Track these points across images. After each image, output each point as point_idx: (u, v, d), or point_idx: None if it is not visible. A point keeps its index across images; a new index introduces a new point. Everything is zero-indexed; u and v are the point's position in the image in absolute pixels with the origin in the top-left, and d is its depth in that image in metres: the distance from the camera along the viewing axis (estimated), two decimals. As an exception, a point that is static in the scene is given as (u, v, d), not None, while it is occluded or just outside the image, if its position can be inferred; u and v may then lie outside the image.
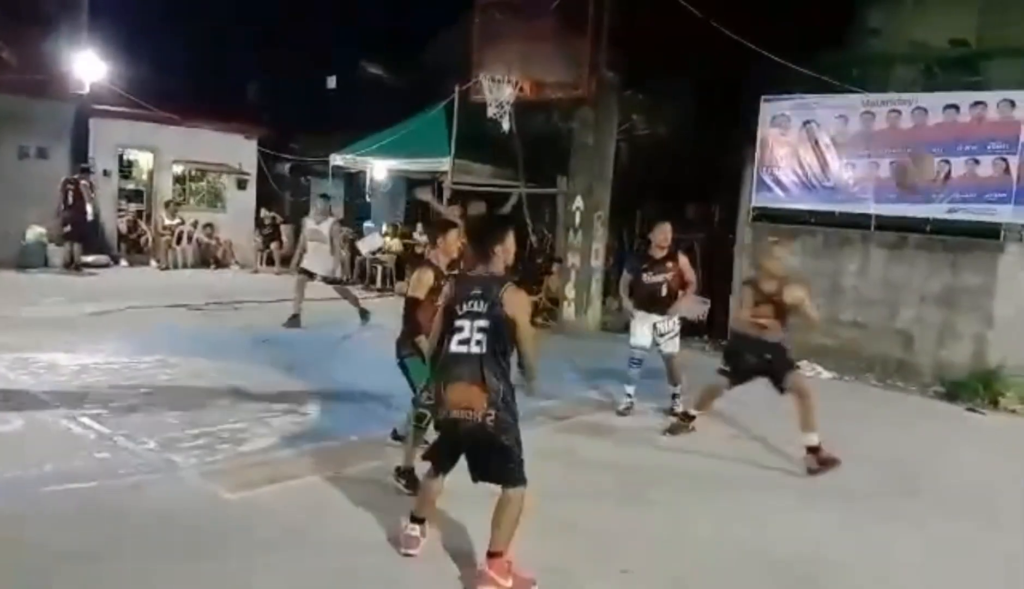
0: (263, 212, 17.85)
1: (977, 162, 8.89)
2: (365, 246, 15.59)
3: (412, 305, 4.90)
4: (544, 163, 13.52)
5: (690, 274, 7.16)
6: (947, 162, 9.06)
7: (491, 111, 11.36)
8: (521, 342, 3.83)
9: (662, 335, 7.03)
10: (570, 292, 11.79)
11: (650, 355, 7.08)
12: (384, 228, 16.47)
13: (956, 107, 9.06)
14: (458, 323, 3.80)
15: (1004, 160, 8.73)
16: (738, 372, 6.24)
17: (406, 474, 4.89)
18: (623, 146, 12.92)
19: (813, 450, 5.83)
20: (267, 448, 5.61)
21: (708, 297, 12.07)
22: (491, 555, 3.73)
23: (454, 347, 3.80)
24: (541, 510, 4.13)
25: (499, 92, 11.29)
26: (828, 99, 10.07)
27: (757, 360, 6.09)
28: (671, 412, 7.05)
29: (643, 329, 7.05)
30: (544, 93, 11.60)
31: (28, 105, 14.38)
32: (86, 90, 15.04)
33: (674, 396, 7.15)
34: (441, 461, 4.02)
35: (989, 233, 8.93)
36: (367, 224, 16.31)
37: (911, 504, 5.44)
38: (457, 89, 12.79)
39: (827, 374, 9.38)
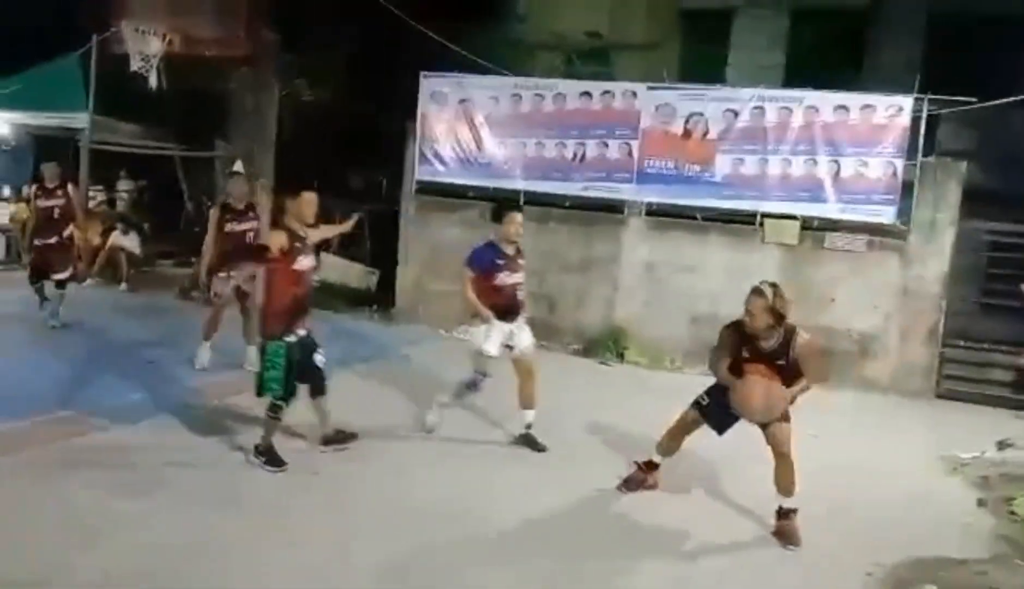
0: None
1: (606, 146, 10.01)
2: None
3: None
4: (200, 125, 12.67)
5: None
6: (582, 144, 10.09)
7: (135, 64, 10.38)
8: None
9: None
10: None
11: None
12: (6, 191, 14.27)
13: (589, 95, 10.09)
14: None
15: (628, 144, 9.94)
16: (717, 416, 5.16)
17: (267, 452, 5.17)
18: (285, 111, 12.55)
19: None
20: None
21: (376, 267, 12.31)
22: None
23: None
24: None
25: (145, 44, 10.37)
26: (482, 80, 10.66)
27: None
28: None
29: (496, 337, 5.90)
30: (199, 49, 10.88)
31: None
32: None
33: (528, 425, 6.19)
34: None
35: (616, 209, 10.15)
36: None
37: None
38: (95, 38, 11.43)
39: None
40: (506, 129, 10.39)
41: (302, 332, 5.23)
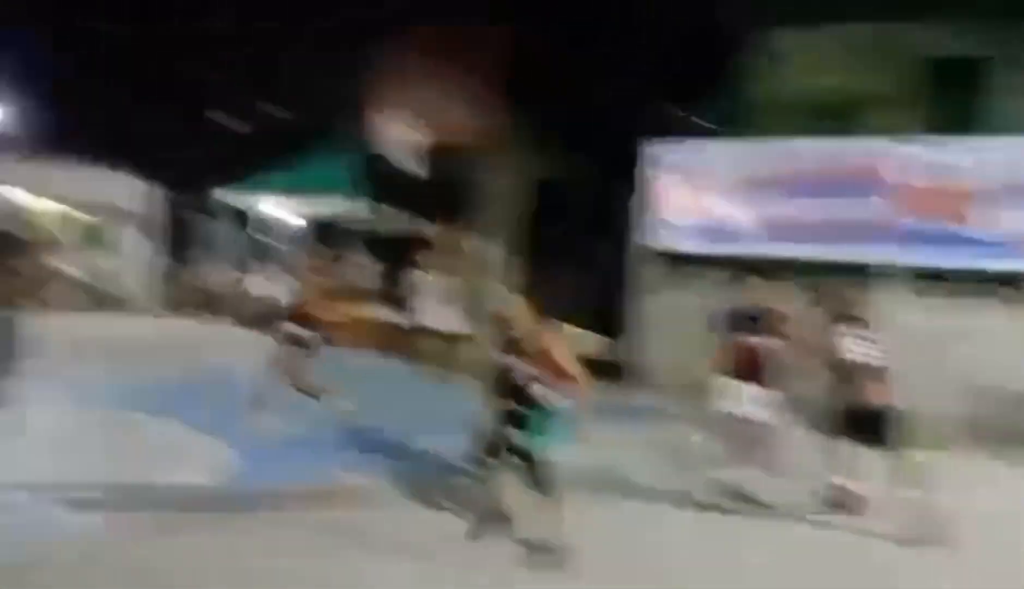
0: (156, 253, 17.21)
1: (854, 205, 9.50)
2: (258, 288, 15.20)
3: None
4: (450, 205, 13.65)
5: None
6: (827, 205, 9.64)
7: (395, 154, 11.43)
8: None
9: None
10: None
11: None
12: (283, 269, 16.11)
13: (833, 152, 9.69)
14: None
15: (878, 203, 9.38)
16: None
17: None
18: (524, 188, 13.20)
19: None
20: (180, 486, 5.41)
21: (607, 336, 12.41)
22: None
23: None
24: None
25: (404, 135, 11.39)
26: (713, 144, 10.58)
27: None
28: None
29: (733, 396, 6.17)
30: (449, 136, 11.79)
31: None
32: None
33: None
34: None
35: (865, 271, 9.50)
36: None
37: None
38: (364, 131, 12.79)
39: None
40: (742, 193, 10.21)
41: None
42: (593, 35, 12.39)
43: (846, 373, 5.66)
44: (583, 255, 14.69)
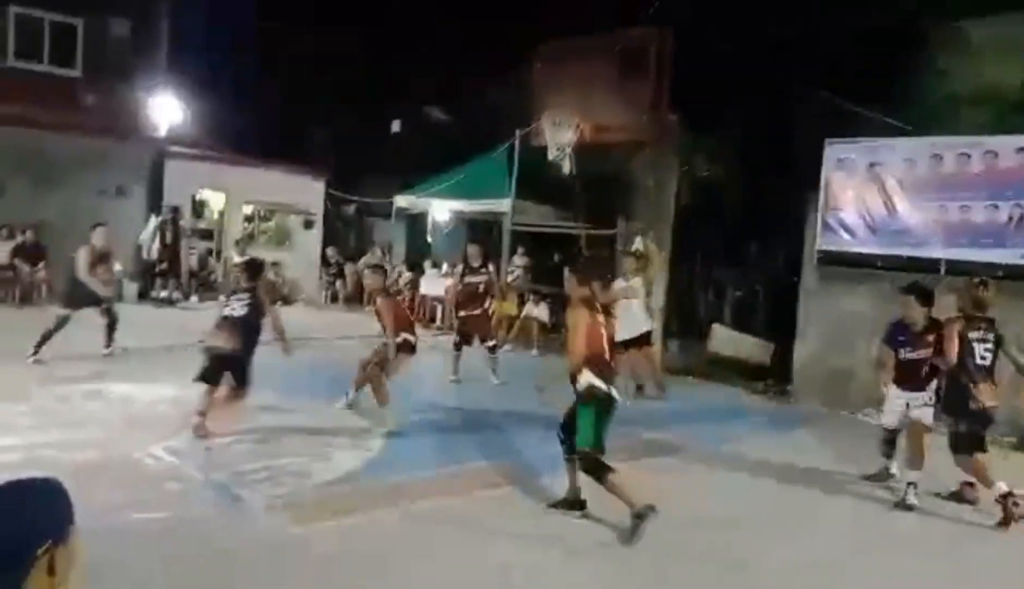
0: (329, 252, 18.28)
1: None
2: (429, 287, 15.82)
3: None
4: (603, 204, 13.62)
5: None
6: (1019, 206, 8.83)
7: (552, 154, 11.55)
8: None
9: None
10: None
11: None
12: (444, 269, 16.69)
13: (1025, 150, 8.85)
14: None
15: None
16: None
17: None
18: (682, 187, 12.93)
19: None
20: (332, 481, 5.71)
21: (771, 341, 11.94)
22: None
23: None
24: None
25: (560, 135, 11.49)
26: (895, 142, 9.94)
27: None
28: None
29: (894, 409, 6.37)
30: (604, 136, 11.75)
31: (107, 147, 15.11)
32: (163, 133, 15.78)
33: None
34: None
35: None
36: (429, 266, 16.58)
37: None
38: (518, 133, 13.02)
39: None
40: (924, 193, 9.52)
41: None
42: (767, 30, 11.95)
43: (969, 374, 5.76)
44: (745, 257, 14.25)
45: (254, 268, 7.15)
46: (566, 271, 5.46)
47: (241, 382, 6.52)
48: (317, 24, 19.12)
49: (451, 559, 4.55)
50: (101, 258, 9.25)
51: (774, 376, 11.10)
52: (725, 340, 12.67)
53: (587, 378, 4.95)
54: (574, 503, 5.25)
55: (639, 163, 11.71)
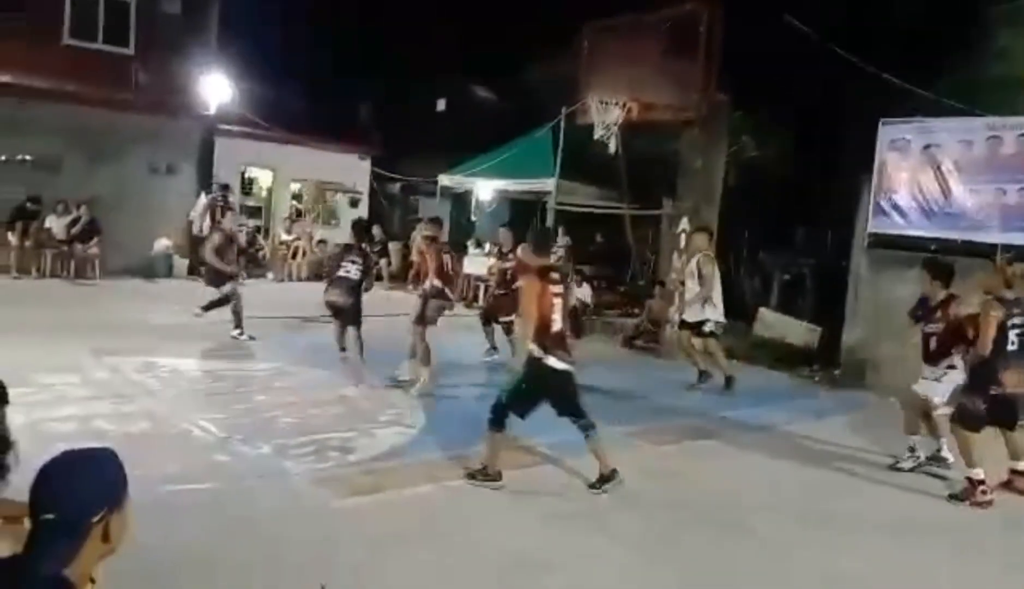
0: (374, 230, 18.39)
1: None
2: (472, 266, 15.84)
3: None
4: (649, 184, 13.47)
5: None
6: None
7: (598, 133, 11.43)
8: None
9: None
10: (674, 315, 11.63)
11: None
12: (487, 248, 16.70)
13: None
14: None
15: None
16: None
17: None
18: (730, 168, 12.72)
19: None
20: (376, 457, 5.79)
21: (819, 325, 11.74)
22: None
23: None
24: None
25: (606, 114, 11.35)
26: (950, 122, 9.63)
27: None
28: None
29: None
30: (652, 115, 11.57)
31: (159, 124, 15.38)
32: (212, 111, 16.00)
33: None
34: None
35: None
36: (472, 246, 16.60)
37: None
38: (564, 111, 12.92)
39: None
40: (981, 175, 9.22)
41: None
42: (819, 7, 11.65)
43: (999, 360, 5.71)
44: (792, 240, 14.01)
45: (360, 229, 8.69)
46: (522, 245, 5.64)
47: (355, 324, 7.97)
48: (364, 2, 19.17)
49: (485, 534, 4.60)
50: (229, 241, 9.90)
51: (821, 361, 10.92)
52: (772, 324, 12.50)
53: (528, 347, 5.12)
54: (608, 477, 5.32)
55: (687, 143, 11.49)
